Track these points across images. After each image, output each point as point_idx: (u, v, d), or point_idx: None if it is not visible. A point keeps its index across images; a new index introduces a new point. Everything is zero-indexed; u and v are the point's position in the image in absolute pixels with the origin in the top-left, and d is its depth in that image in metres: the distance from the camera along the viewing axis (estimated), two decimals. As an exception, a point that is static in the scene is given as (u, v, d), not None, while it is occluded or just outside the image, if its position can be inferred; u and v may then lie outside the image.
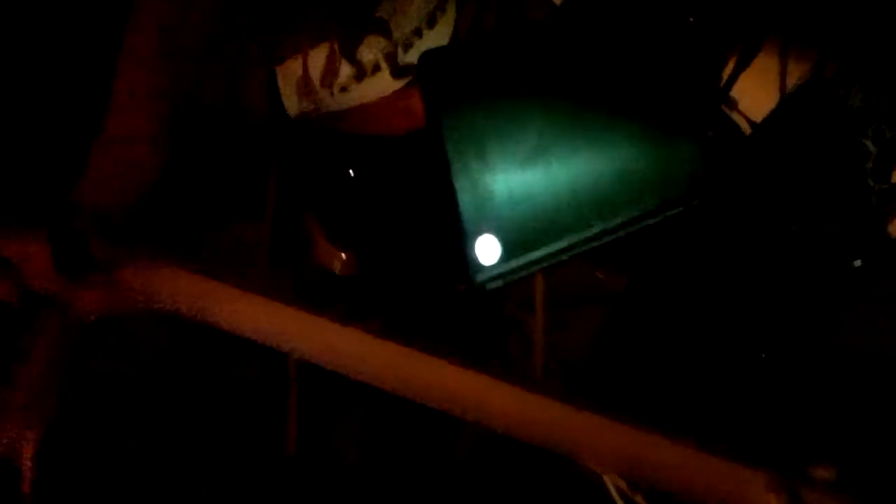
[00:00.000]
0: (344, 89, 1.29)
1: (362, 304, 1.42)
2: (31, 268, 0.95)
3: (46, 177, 1.23)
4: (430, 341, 1.04)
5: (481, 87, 1.16)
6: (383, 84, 1.30)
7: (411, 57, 1.29)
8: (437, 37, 1.30)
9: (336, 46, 1.26)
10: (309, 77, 1.28)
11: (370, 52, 1.29)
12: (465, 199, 1.12)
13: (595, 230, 1.15)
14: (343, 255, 1.39)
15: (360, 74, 1.29)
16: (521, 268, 1.12)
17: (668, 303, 1.60)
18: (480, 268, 1.10)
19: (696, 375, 1.50)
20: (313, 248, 1.43)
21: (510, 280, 1.14)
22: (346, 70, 1.28)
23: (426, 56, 1.14)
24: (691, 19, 1.24)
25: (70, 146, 1.22)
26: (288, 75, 1.28)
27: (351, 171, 1.36)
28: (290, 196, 1.44)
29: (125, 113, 1.18)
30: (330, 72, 1.28)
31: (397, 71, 1.29)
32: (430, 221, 1.25)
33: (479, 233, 1.12)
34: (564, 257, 1.15)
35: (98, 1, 1.32)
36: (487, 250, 1.11)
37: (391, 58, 1.29)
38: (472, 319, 1.42)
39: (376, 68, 1.29)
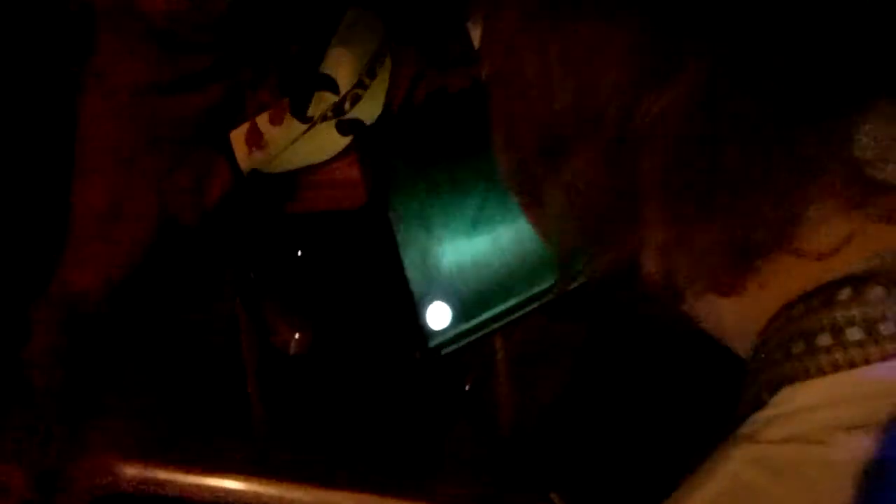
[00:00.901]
0: (295, 141, 1.35)
1: (321, 381, 1.47)
2: (16, 486, 1.18)
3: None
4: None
5: (421, 159, 1.24)
6: (331, 140, 1.35)
7: (357, 111, 1.35)
8: (380, 87, 1.36)
9: (286, 107, 1.33)
10: (259, 131, 1.34)
11: (318, 107, 1.35)
12: (413, 269, 1.20)
13: (542, 287, 1.22)
14: (297, 334, 1.43)
15: (310, 126, 1.35)
16: (473, 329, 1.19)
17: (629, 351, 1.66)
18: (433, 333, 1.17)
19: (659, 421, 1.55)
20: (273, 331, 1.47)
21: (464, 343, 1.20)
22: (297, 126, 1.34)
23: (366, 132, 1.21)
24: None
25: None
26: (239, 134, 1.34)
27: (299, 252, 1.42)
28: (248, 279, 1.49)
29: (86, 231, 1.28)
30: (281, 125, 1.34)
31: (342, 125, 1.35)
32: (382, 293, 1.31)
33: (430, 299, 1.19)
34: (516, 315, 1.22)
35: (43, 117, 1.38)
36: (439, 315, 1.18)
37: (338, 109, 1.35)
38: (434, 386, 1.47)
39: (324, 118, 1.35)
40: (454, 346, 1.20)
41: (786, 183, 0.57)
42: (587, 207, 0.64)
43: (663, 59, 0.57)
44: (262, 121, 1.34)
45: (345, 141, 1.34)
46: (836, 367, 0.57)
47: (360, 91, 1.36)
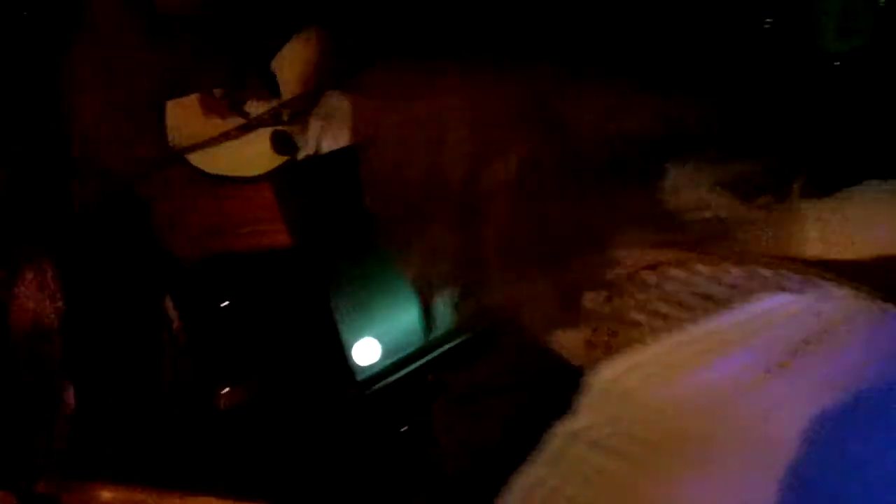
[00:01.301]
0: (227, 135, 1.37)
1: (254, 436, 1.46)
2: None
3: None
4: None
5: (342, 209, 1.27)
6: (262, 153, 1.37)
7: (293, 126, 1.38)
8: (332, 128, 1.37)
9: (228, 94, 1.36)
10: (213, 99, 1.36)
11: (260, 106, 1.39)
12: (340, 308, 1.23)
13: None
14: (226, 389, 1.43)
15: (247, 126, 1.38)
16: (399, 364, 1.22)
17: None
18: (361, 368, 1.19)
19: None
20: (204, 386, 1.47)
21: (393, 380, 1.23)
22: (234, 120, 1.37)
23: (294, 165, 1.25)
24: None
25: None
26: (185, 104, 1.38)
27: (223, 304, 1.42)
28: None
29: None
30: (223, 108, 1.36)
31: (277, 138, 1.37)
32: (309, 334, 1.33)
33: (358, 338, 1.22)
34: (442, 350, 1.25)
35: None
36: (366, 351, 1.21)
37: (276, 115, 1.38)
38: (370, 427, 1.48)
39: (260, 120, 1.38)
40: (384, 382, 1.22)
41: (603, 232, 0.69)
42: (445, 266, 0.76)
43: (498, 136, 0.69)
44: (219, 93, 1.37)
45: (275, 161, 1.36)
46: (612, 349, 0.66)
47: (299, 108, 1.38)
